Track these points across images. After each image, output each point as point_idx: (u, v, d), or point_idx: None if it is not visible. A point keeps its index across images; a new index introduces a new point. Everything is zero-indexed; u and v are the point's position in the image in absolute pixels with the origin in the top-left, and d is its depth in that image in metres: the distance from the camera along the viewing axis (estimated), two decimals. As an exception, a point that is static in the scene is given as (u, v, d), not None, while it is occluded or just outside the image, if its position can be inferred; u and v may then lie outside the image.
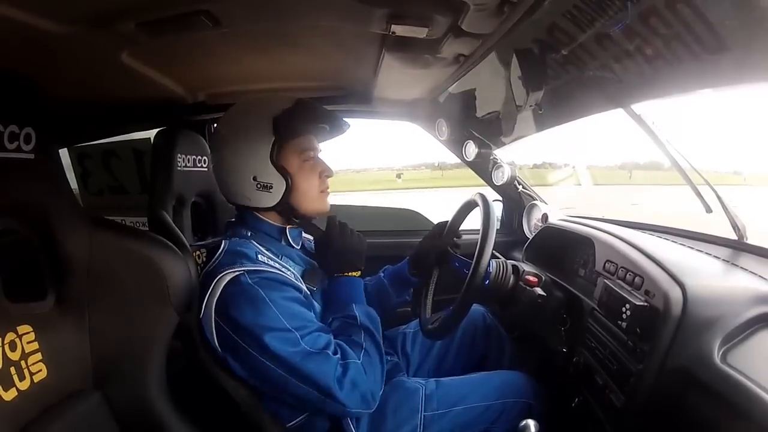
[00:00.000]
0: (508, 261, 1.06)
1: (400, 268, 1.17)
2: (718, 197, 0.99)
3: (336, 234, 0.99)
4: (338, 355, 0.82)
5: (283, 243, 0.97)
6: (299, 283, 0.88)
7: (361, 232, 1.03)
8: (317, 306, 0.94)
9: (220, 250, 0.88)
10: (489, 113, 1.48)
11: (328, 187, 1.00)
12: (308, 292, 0.90)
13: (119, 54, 0.86)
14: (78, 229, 0.66)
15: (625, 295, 0.81)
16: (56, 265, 0.65)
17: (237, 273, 0.81)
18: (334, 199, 1.05)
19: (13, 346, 0.57)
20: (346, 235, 1.00)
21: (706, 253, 0.96)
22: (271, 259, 0.88)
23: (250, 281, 0.81)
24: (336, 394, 0.79)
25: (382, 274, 1.20)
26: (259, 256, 0.86)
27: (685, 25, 0.72)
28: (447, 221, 1.15)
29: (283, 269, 0.87)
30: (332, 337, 0.85)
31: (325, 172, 0.98)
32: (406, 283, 1.17)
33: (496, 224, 0.97)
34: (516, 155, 1.68)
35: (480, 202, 1.03)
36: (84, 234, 0.67)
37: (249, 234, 0.93)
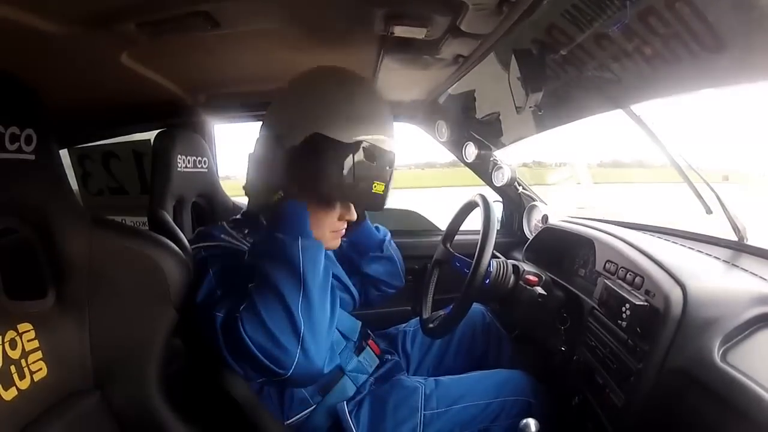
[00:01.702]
0: (509, 260, 1.06)
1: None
2: (718, 198, 0.99)
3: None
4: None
5: None
6: None
7: None
8: None
9: (193, 236, 0.90)
10: (489, 114, 1.49)
11: (342, 231, 0.89)
12: None
13: (119, 55, 0.86)
14: (78, 228, 0.66)
15: (625, 294, 0.81)
16: (56, 264, 0.65)
17: (196, 248, 0.83)
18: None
19: (13, 345, 0.56)
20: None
21: (707, 253, 0.96)
22: (239, 241, 0.86)
23: (203, 254, 0.81)
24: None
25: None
26: (223, 235, 0.86)
27: (683, 24, 0.72)
28: None
29: (244, 244, 0.85)
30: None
31: (347, 215, 0.87)
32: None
33: (496, 224, 0.97)
34: (503, 155, 1.67)
35: (480, 203, 1.03)
36: (84, 233, 0.67)
37: (247, 231, 0.91)
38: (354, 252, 1.14)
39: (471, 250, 0.96)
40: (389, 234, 1.19)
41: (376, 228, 1.17)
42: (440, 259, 1.19)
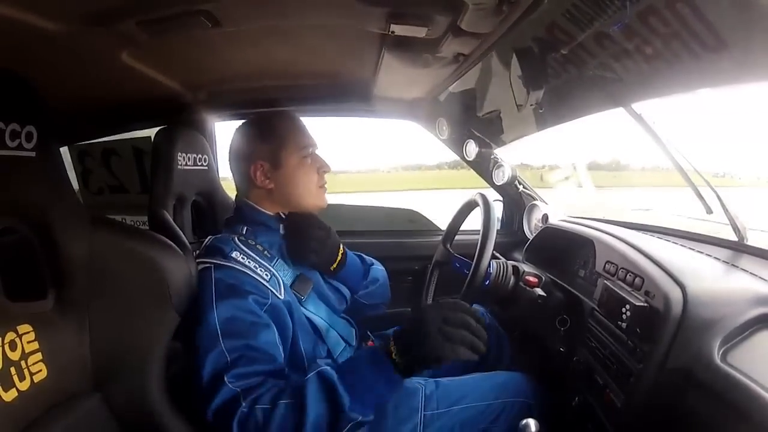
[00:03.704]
0: (509, 262, 1.06)
1: None
2: (719, 198, 0.98)
3: None
4: (245, 394, 0.71)
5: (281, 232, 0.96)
6: (269, 289, 0.84)
7: (360, 232, 1.02)
8: (304, 314, 0.91)
9: (202, 246, 0.90)
10: (489, 112, 1.48)
11: (326, 182, 1.02)
12: (289, 300, 0.87)
13: (119, 53, 0.86)
14: (78, 228, 0.66)
15: (625, 295, 0.81)
16: (56, 264, 0.65)
17: (207, 265, 0.83)
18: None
19: (13, 346, 0.56)
20: None
21: (707, 254, 0.96)
22: (248, 257, 0.86)
23: (213, 276, 0.81)
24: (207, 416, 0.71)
25: None
26: (234, 252, 0.85)
27: (684, 24, 0.72)
28: None
29: (258, 269, 0.85)
30: (258, 369, 0.74)
31: (322, 168, 1.00)
32: None
33: (496, 224, 0.97)
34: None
35: (481, 203, 1.03)
36: (84, 233, 0.67)
37: (244, 229, 0.92)
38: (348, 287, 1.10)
39: (471, 250, 0.96)
40: (372, 261, 1.16)
41: (359, 256, 1.13)
42: (440, 260, 1.19)
